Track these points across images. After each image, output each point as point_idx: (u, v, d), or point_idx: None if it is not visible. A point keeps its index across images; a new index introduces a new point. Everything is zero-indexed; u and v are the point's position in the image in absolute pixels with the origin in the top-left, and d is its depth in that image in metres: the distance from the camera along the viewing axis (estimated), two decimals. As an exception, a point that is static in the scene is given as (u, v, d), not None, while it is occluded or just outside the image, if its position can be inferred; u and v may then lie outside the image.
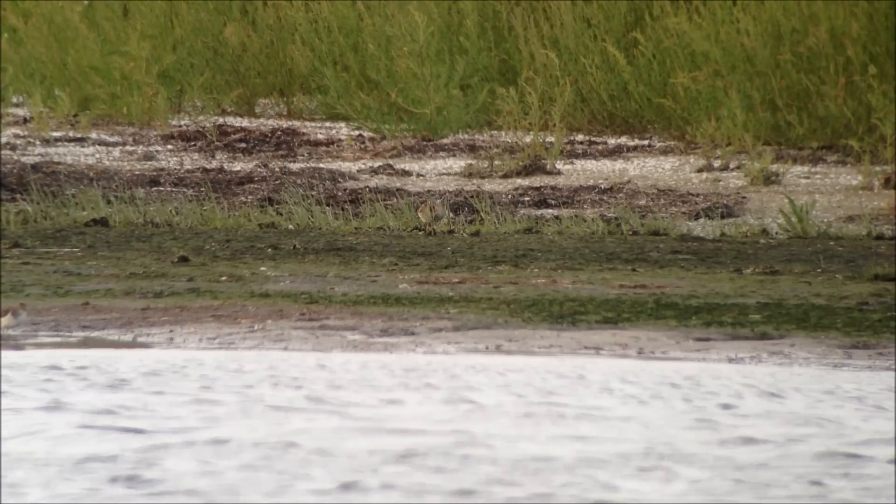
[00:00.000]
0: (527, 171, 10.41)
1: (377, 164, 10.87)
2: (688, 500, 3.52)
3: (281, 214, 9.23)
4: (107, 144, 11.54)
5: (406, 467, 3.80)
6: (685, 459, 3.92)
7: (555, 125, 10.92)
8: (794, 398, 4.84)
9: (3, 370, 5.09)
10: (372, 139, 11.58)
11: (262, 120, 12.42)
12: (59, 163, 10.75)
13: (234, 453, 3.90)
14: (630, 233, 8.80)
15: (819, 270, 7.49)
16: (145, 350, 5.77)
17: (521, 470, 3.78)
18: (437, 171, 10.72)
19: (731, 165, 10.49)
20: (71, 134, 11.81)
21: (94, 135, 11.81)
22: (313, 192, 9.68)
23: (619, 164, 10.79)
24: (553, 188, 10.00)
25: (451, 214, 9.12)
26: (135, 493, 3.56)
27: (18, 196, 9.64)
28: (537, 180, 10.28)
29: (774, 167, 10.22)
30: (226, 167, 10.77)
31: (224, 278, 7.26)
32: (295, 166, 10.78)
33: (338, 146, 11.44)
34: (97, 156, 11.18)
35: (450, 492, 3.56)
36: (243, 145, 11.47)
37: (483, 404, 4.68)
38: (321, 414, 4.47)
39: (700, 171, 10.50)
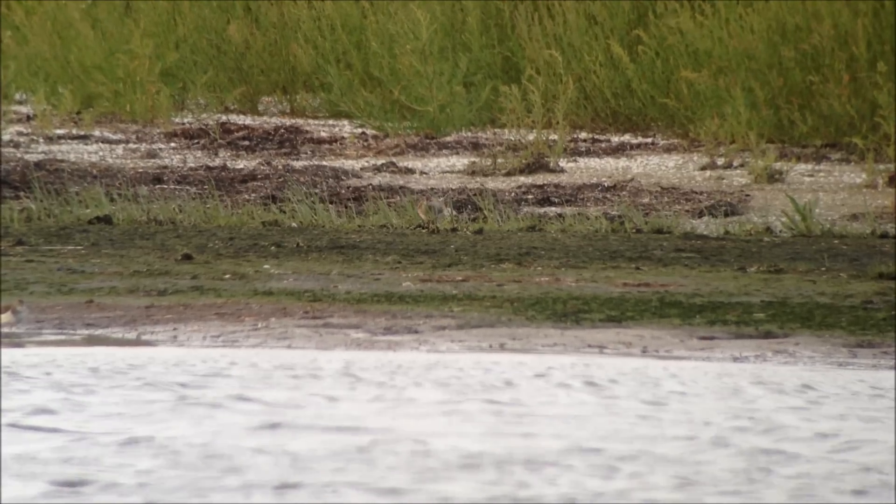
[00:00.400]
0: (530, 169, 10.40)
1: (380, 161, 10.86)
2: (627, 495, 3.52)
3: (284, 212, 9.22)
4: (110, 142, 11.53)
5: (339, 464, 3.79)
6: (630, 456, 3.93)
7: (558, 123, 10.90)
8: (743, 396, 4.83)
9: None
10: (375, 137, 11.57)
11: (265, 118, 12.41)
12: (62, 160, 10.75)
13: (160, 453, 3.88)
14: (633, 231, 8.79)
15: (823, 269, 7.48)
16: (110, 347, 5.75)
17: (457, 467, 3.77)
18: (441, 169, 10.70)
19: (735, 163, 10.47)
20: (74, 132, 11.81)
21: (97, 132, 11.80)
22: (316, 190, 9.67)
23: (622, 162, 10.77)
24: (556, 186, 9.99)
25: (455, 212, 9.10)
26: (59, 491, 3.54)
27: (22, 194, 9.63)
28: (540, 178, 10.27)
29: (778, 165, 10.20)
30: (229, 165, 10.76)
31: (227, 276, 7.25)
32: (298, 164, 10.78)
33: (341, 144, 11.43)
34: (100, 153, 11.18)
35: (379, 490, 3.55)
36: (246, 143, 11.46)
37: (424, 401, 4.67)
38: (258, 413, 4.45)
39: (704, 168, 10.48)
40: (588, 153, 11.00)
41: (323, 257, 7.83)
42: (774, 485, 3.65)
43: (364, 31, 12.21)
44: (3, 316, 6.10)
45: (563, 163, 10.63)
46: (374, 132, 11.70)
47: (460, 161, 10.86)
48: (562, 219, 9.04)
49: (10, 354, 5.48)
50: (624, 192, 9.78)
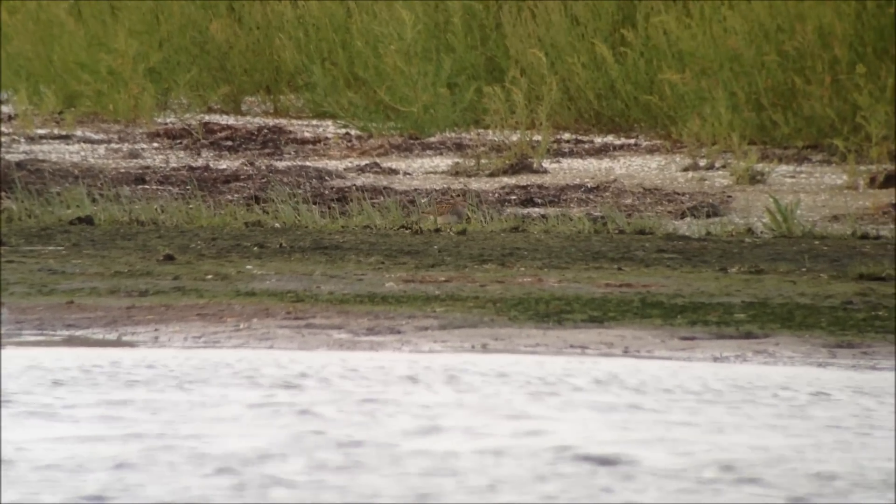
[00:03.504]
0: (513, 170, 10.42)
1: (364, 162, 10.87)
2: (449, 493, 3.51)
3: (267, 213, 9.21)
4: (92, 142, 11.51)
5: (191, 466, 3.77)
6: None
7: (541, 124, 10.92)
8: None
9: None
10: (359, 137, 11.58)
11: (248, 118, 12.40)
12: (43, 160, 10.72)
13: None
14: (616, 231, 8.81)
15: (804, 270, 7.51)
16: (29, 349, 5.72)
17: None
18: (424, 170, 10.71)
19: (717, 164, 10.50)
20: (56, 131, 11.78)
21: (79, 132, 11.77)
22: (300, 191, 9.67)
23: (605, 163, 10.79)
24: (540, 187, 10.01)
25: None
26: None
27: (3, 194, 9.60)
28: (524, 179, 10.29)
29: (760, 166, 10.23)
30: (212, 165, 10.74)
31: (209, 277, 7.24)
32: (281, 164, 10.77)
33: (324, 144, 11.43)
34: (82, 153, 11.15)
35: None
36: (229, 143, 11.45)
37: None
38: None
39: (686, 170, 10.52)
40: (571, 154, 11.03)
41: (306, 258, 7.83)
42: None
43: (349, 31, 12.21)
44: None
45: (546, 164, 10.64)
46: (357, 133, 11.70)
47: (444, 162, 10.88)
48: (545, 219, 9.05)
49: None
50: (607, 193, 9.80)
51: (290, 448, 3.88)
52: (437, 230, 8.79)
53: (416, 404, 4.53)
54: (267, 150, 11.27)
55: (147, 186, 10.00)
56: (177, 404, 4.48)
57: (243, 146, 11.39)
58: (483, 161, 10.53)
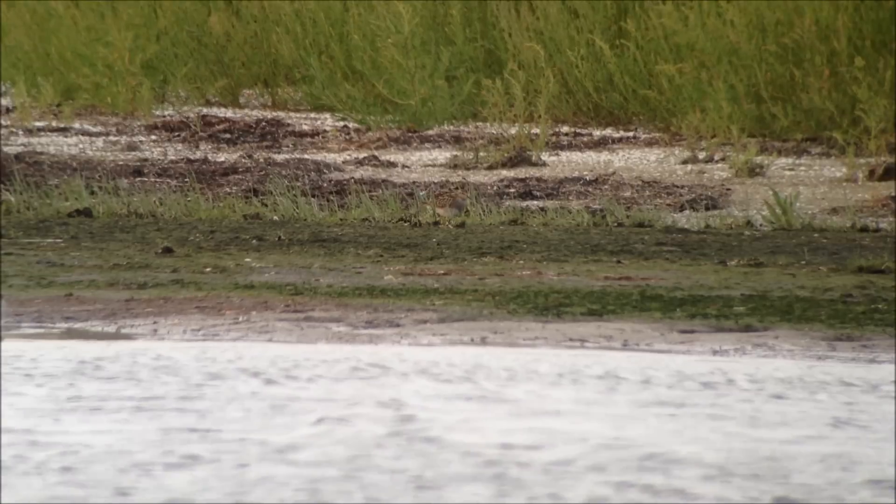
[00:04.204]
0: (512, 163, 10.41)
1: (362, 155, 10.86)
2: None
3: (266, 205, 9.20)
4: (90, 134, 11.50)
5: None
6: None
7: (540, 117, 10.91)
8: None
9: None
10: (357, 130, 11.56)
11: (246, 111, 12.39)
12: (42, 153, 10.70)
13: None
14: (615, 224, 8.81)
15: (803, 262, 7.51)
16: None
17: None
18: (423, 163, 10.70)
19: (716, 157, 10.50)
20: (54, 124, 11.77)
21: (77, 125, 11.76)
22: (298, 183, 9.66)
23: (604, 156, 10.79)
24: (538, 180, 10.00)
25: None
26: None
27: (1, 186, 9.59)
28: (522, 172, 10.28)
29: (759, 159, 10.22)
30: (210, 158, 10.73)
31: (208, 269, 7.24)
32: (279, 157, 10.76)
33: (323, 137, 11.42)
34: (80, 146, 11.14)
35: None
36: (228, 136, 11.43)
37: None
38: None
39: (685, 162, 10.51)
40: (570, 147, 11.02)
41: (304, 251, 7.82)
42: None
43: (346, 24, 12.19)
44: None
45: (545, 156, 10.64)
46: (356, 125, 11.69)
47: (442, 155, 10.87)
48: (544, 212, 9.05)
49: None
50: (605, 186, 9.79)
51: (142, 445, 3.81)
52: (436, 223, 8.78)
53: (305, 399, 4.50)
54: (265, 143, 11.26)
55: (145, 179, 9.98)
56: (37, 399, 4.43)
57: (241, 139, 11.37)
58: (481, 154, 10.52)
